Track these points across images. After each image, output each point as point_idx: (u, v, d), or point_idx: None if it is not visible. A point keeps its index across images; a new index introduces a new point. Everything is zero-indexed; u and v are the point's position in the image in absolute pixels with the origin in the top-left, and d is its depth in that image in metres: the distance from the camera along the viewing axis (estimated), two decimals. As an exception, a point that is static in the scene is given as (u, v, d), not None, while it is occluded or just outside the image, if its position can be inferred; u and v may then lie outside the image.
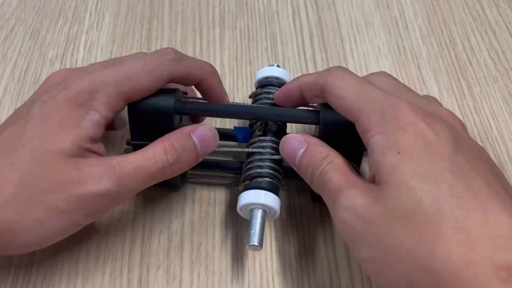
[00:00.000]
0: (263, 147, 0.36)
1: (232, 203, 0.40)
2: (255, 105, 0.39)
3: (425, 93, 0.47)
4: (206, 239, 0.38)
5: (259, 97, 0.39)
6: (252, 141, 0.37)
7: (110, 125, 0.44)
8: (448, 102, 0.46)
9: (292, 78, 0.37)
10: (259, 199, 0.34)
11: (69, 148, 0.31)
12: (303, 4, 0.54)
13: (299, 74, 0.48)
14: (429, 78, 0.48)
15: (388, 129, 0.29)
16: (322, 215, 0.39)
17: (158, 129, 0.36)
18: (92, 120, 0.33)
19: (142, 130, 0.36)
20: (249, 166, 0.36)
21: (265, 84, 0.40)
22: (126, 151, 0.42)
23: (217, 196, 0.40)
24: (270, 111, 0.37)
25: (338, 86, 0.32)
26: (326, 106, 0.35)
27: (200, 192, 0.40)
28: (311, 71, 0.48)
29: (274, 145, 0.37)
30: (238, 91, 0.47)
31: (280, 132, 0.38)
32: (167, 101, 0.35)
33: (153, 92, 0.35)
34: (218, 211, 0.39)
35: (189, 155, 0.34)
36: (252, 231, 0.33)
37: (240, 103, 0.41)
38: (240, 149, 0.38)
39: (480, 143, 0.43)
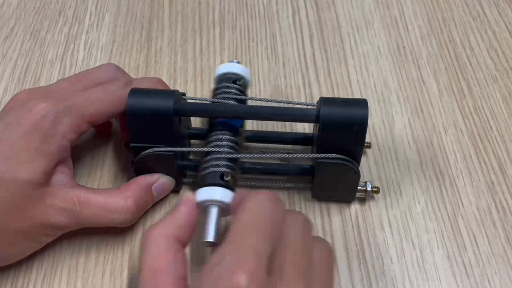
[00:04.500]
0: (219, 146, 0.37)
1: (232, 203, 0.40)
2: (252, 104, 0.39)
3: (425, 93, 0.47)
4: (206, 239, 0.38)
5: (217, 91, 0.40)
6: (209, 139, 0.38)
7: (106, 130, 0.44)
8: (448, 102, 0.46)
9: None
10: (215, 195, 0.34)
11: (38, 178, 0.33)
12: (303, 4, 0.54)
13: (299, 74, 0.48)
14: (429, 78, 0.48)
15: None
16: (321, 213, 0.39)
17: (158, 131, 0.36)
18: (58, 145, 0.34)
19: (142, 132, 0.36)
20: (205, 165, 0.36)
21: (224, 80, 0.40)
22: (124, 155, 0.42)
23: (217, 196, 0.40)
24: (270, 110, 0.37)
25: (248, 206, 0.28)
26: (326, 103, 0.35)
27: (200, 192, 0.40)
28: (311, 71, 0.48)
29: (230, 143, 0.37)
30: (238, 91, 0.47)
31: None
32: (166, 103, 0.35)
33: (114, 116, 0.37)
34: (218, 211, 0.39)
35: (146, 208, 0.37)
36: (206, 228, 0.33)
37: (238, 102, 0.41)
38: (200, 149, 0.39)
39: (480, 143, 0.43)
